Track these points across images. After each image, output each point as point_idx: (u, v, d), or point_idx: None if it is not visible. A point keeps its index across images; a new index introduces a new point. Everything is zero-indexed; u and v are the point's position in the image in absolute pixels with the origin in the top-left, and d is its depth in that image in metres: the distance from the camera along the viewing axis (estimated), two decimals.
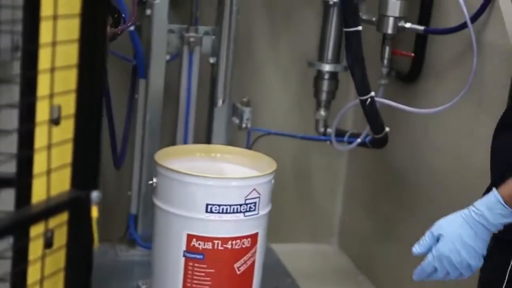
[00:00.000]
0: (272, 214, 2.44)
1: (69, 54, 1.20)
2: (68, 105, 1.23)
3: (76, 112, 1.23)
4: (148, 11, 2.73)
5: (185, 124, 2.85)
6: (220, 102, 2.46)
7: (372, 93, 2.43)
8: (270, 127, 3.11)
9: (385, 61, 2.71)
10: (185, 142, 2.85)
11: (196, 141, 2.88)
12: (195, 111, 2.87)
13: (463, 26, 2.40)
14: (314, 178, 3.37)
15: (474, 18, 2.37)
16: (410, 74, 2.78)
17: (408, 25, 2.61)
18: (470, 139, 2.48)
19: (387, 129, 2.54)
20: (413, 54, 2.70)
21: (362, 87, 2.42)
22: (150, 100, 2.78)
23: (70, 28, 1.19)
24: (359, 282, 3.16)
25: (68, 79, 1.21)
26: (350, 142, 2.78)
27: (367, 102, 2.42)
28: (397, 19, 2.60)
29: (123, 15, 2.08)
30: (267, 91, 3.23)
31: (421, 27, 2.60)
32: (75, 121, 1.23)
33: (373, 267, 3.12)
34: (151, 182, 2.37)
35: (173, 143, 2.87)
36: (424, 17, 2.66)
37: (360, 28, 2.34)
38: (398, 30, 2.62)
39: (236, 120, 2.89)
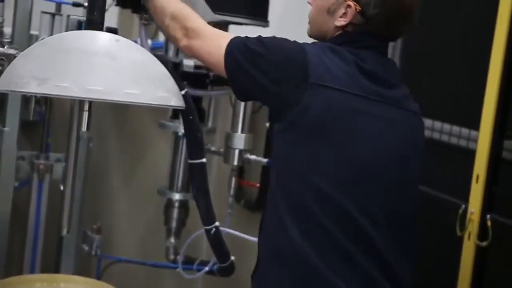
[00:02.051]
0: None
1: None
2: None
3: None
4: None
5: (33, 253, 2.81)
6: (64, 231, 2.46)
7: (217, 223, 2.48)
8: (124, 255, 3.10)
9: (232, 191, 2.81)
10: (32, 271, 2.80)
11: (45, 270, 2.83)
12: (44, 239, 2.83)
13: None
14: None
15: None
16: (257, 203, 2.87)
17: (253, 157, 2.72)
18: None
19: (232, 257, 2.59)
20: (258, 185, 2.81)
21: (207, 217, 2.46)
22: None
23: None
24: None
25: None
26: (199, 270, 2.81)
27: (212, 231, 2.46)
28: (242, 152, 2.71)
29: None
30: (121, 218, 3.25)
31: (265, 160, 2.72)
32: None
33: None
34: None
35: (20, 272, 2.81)
36: (269, 150, 2.78)
37: (204, 160, 2.41)
38: (243, 161, 2.72)
39: (86, 247, 2.87)
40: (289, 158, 1.83)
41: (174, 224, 2.88)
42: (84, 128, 2.14)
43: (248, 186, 2.86)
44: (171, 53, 2.76)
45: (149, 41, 2.98)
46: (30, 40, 2.65)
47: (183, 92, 2.22)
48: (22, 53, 2.01)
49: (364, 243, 1.81)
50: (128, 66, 2.04)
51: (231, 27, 2.80)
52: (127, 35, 2.82)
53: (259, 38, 1.92)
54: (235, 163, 2.72)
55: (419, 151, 1.96)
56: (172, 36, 2.09)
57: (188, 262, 2.85)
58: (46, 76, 1.96)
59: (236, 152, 2.70)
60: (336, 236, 1.79)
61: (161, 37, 3.04)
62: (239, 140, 2.69)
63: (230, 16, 2.68)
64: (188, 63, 2.69)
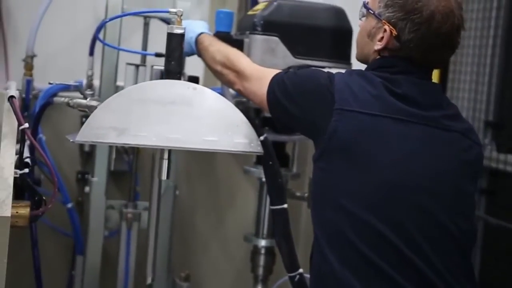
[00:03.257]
0: None
1: None
2: None
3: None
4: (86, 188, 2.80)
5: None
6: (149, 279, 2.46)
7: (301, 270, 2.42)
8: None
9: None
10: None
11: None
12: (134, 287, 2.86)
13: None
14: None
15: None
16: None
17: None
18: None
19: None
20: None
21: (290, 264, 2.40)
22: (86, 277, 2.77)
23: None
24: None
25: None
26: None
27: (296, 278, 2.40)
28: None
29: (44, 198, 2.13)
30: (209, 265, 3.25)
31: None
32: None
33: None
34: None
35: None
36: None
37: (285, 206, 2.37)
38: None
39: None
40: (322, 185, 1.86)
41: (261, 271, 2.84)
42: (163, 176, 2.16)
43: None
44: None
45: None
46: (117, 91, 2.71)
47: (262, 137, 2.22)
48: (101, 104, 2.05)
49: (404, 266, 1.78)
50: (205, 113, 2.07)
51: None
52: (212, 83, 2.87)
53: (295, 70, 2.01)
54: None
55: (466, 169, 1.90)
56: (227, 81, 2.20)
57: None
58: (124, 126, 2.00)
59: None
60: (374, 261, 1.78)
61: None
62: None
63: (311, 60, 2.67)
64: None
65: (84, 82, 3.00)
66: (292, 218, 3.02)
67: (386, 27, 1.93)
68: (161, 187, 2.47)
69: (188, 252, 3.20)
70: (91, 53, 2.90)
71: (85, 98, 2.32)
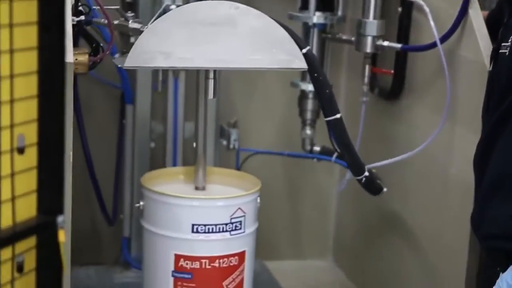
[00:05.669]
0: (266, 231, 2.50)
1: (29, 85, 1.26)
2: (31, 134, 1.29)
3: (39, 140, 1.29)
4: (132, 39, 2.79)
5: (174, 147, 2.91)
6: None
7: (366, 173, 2.51)
8: (260, 147, 3.15)
9: (365, 79, 2.76)
10: (174, 164, 2.90)
11: (186, 163, 2.93)
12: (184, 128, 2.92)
13: (436, 44, 2.45)
14: (305, 197, 3.40)
15: (446, 36, 2.41)
16: (392, 91, 2.82)
17: (386, 43, 2.65)
18: (447, 153, 2.52)
19: (385, 189, 2.63)
20: (392, 72, 2.75)
21: (355, 170, 2.50)
22: (138, 124, 2.84)
23: (29, 60, 1.25)
24: None
25: (30, 109, 1.28)
26: (337, 163, 2.83)
27: (362, 180, 2.52)
28: (375, 38, 2.65)
29: (101, 45, 2.15)
30: (256, 113, 3.28)
31: (398, 45, 2.65)
32: (38, 149, 1.29)
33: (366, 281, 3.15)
34: (138, 204, 2.44)
35: (163, 166, 2.92)
36: (403, 35, 2.70)
37: (338, 115, 2.38)
38: (377, 48, 2.67)
39: (224, 142, 2.94)
40: None
41: (308, 115, 2.89)
42: (210, 95, 2.22)
43: (382, 73, 2.81)
44: None
45: None
46: (154, 6, 2.68)
47: (304, 50, 2.23)
48: (146, 29, 2.11)
49: None
50: (248, 32, 2.10)
51: None
52: None
53: None
54: (368, 50, 2.67)
55: None
56: None
57: (326, 153, 2.87)
58: (170, 50, 2.05)
59: (369, 38, 2.65)
60: None
61: None
62: (371, 26, 2.64)
63: None
64: None
65: None
66: (336, 59, 3.03)
67: None
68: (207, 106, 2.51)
69: (233, 101, 3.23)
70: None
71: (126, 20, 2.28)
